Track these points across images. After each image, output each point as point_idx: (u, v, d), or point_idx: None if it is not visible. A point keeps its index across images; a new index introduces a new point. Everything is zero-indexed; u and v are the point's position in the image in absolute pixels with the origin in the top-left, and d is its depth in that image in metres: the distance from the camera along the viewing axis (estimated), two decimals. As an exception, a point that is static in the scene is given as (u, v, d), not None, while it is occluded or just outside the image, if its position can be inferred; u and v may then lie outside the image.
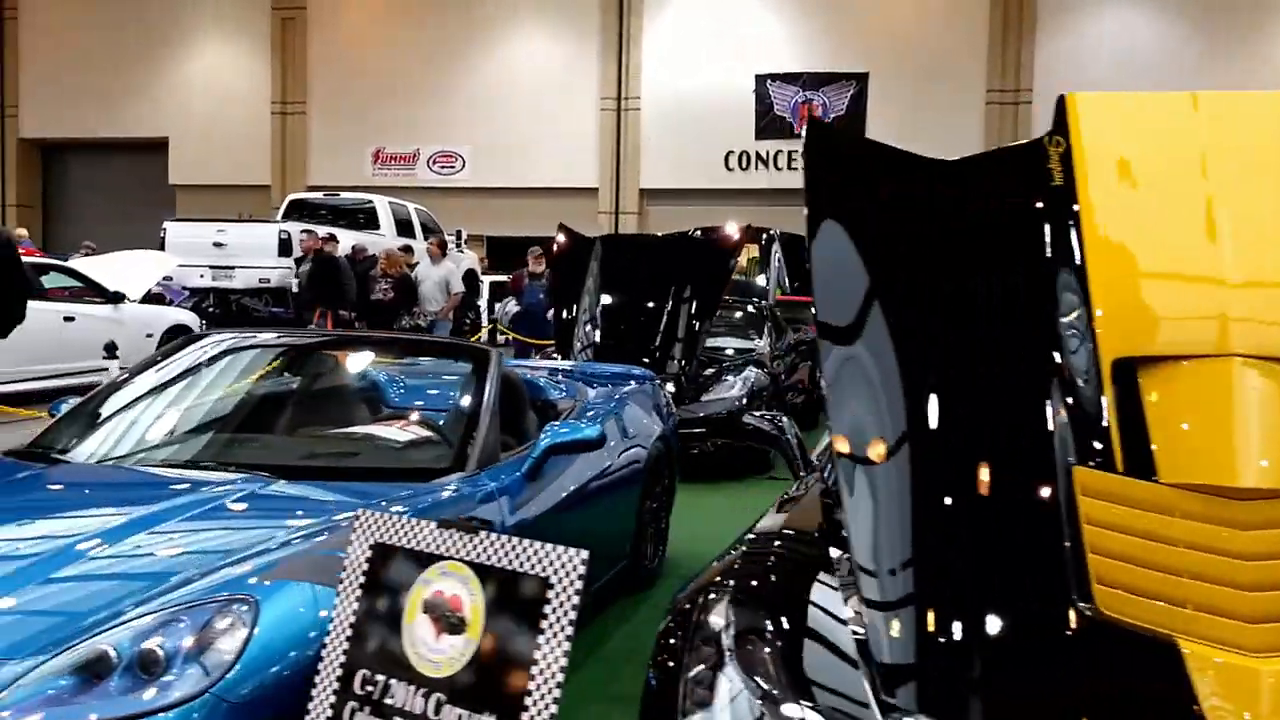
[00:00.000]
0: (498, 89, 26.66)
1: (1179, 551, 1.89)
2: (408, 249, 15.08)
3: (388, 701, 1.87)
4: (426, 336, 7.09)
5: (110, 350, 8.93)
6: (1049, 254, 2.24)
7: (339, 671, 1.94)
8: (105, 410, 4.31)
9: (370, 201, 17.43)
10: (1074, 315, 2.13)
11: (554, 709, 1.66)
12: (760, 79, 25.76)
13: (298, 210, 17.03)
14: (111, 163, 28.23)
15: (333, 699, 1.93)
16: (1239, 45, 22.30)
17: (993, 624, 1.88)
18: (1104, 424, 2.01)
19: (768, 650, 1.88)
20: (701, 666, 1.84)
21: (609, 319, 8.55)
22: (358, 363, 4.89)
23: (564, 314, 8.76)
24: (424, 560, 1.90)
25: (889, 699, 1.84)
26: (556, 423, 4.37)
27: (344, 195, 17.94)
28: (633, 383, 6.03)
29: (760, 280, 13.84)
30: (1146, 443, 1.98)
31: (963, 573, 1.94)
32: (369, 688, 1.90)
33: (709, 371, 8.62)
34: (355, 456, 4.00)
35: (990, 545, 1.97)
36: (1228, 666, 1.78)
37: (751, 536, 2.51)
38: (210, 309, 14.73)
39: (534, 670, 1.71)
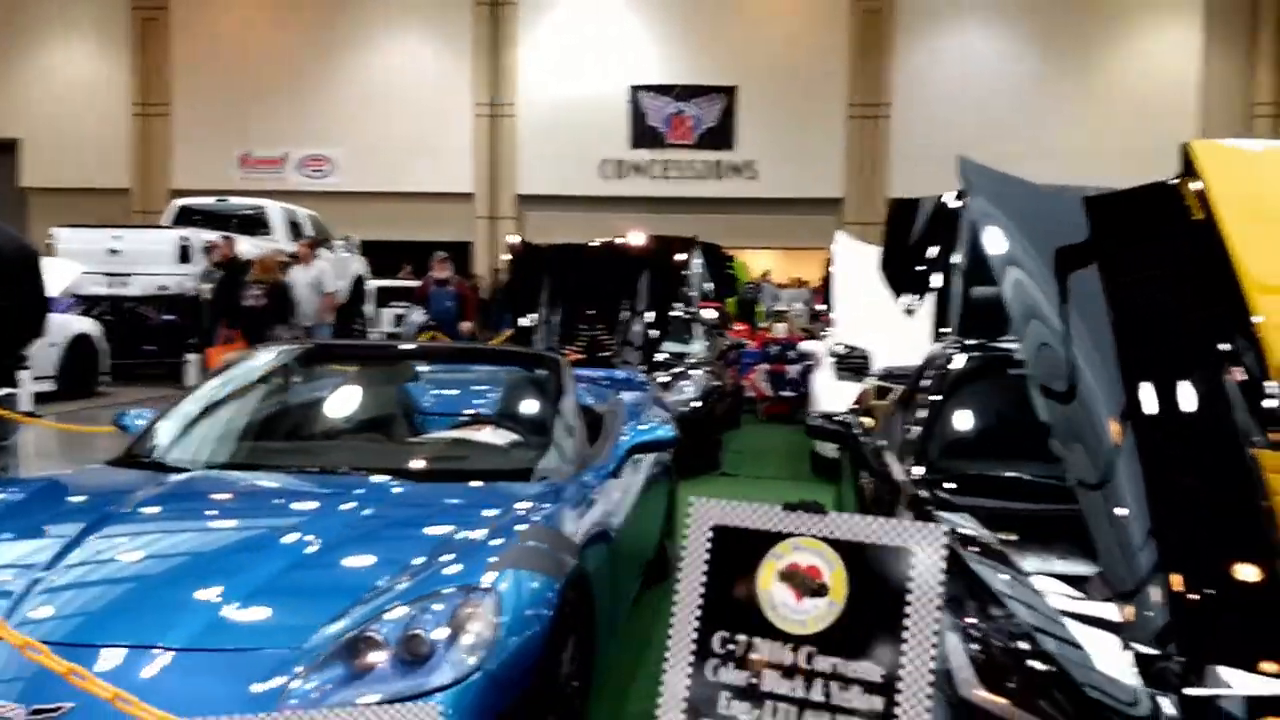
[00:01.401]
0: (369, 92, 26.48)
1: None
2: (294, 255, 14.91)
3: (753, 656, 2.23)
4: (499, 346, 7.27)
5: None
6: (1202, 276, 2.75)
7: (694, 635, 2.29)
8: (196, 418, 4.46)
9: (262, 207, 17.21)
10: (1238, 327, 2.64)
11: (931, 663, 2.06)
12: (634, 90, 26.35)
13: (186, 216, 16.69)
14: (-48, 165, 26.87)
15: (691, 659, 2.27)
16: (1075, 59, 23.93)
17: (1227, 582, 2.37)
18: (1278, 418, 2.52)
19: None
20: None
21: (566, 325, 8.89)
22: (430, 371, 5.14)
23: (521, 321, 9.06)
24: (772, 538, 2.27)
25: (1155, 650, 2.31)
26: (635, 423, 4.73)
27: (233, 200, 17.66)
28: (633, 386, 6.41)
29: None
30: (1316, 429, 2.51)
31: (1192, 543, 2.42)
32: (730, 646, 2.25)
33: (663, 376, 9.05)
34: (465, 459, 4.27)
35: (1208, 518, 2.46)
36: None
37: None
38: (102, 316, 14.33)
39: (906, 623, 2.10)
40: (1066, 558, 3.26)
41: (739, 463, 9.64)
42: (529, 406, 4.64)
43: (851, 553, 2.20)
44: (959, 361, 4.52)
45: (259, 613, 2.92)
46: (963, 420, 4.28)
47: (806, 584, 2.23)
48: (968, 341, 4.76)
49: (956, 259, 5.67)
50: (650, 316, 8.92)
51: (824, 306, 18.15)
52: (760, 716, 2.20)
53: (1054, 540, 3.36)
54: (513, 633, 2.90)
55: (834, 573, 2.20)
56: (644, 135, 26.17)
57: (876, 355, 8.49)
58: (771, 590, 2.25)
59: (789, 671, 2.20)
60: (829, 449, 9.03)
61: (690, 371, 9.36)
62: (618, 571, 4.18)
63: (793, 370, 12.03)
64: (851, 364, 9.40)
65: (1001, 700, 2.51)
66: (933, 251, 5.97)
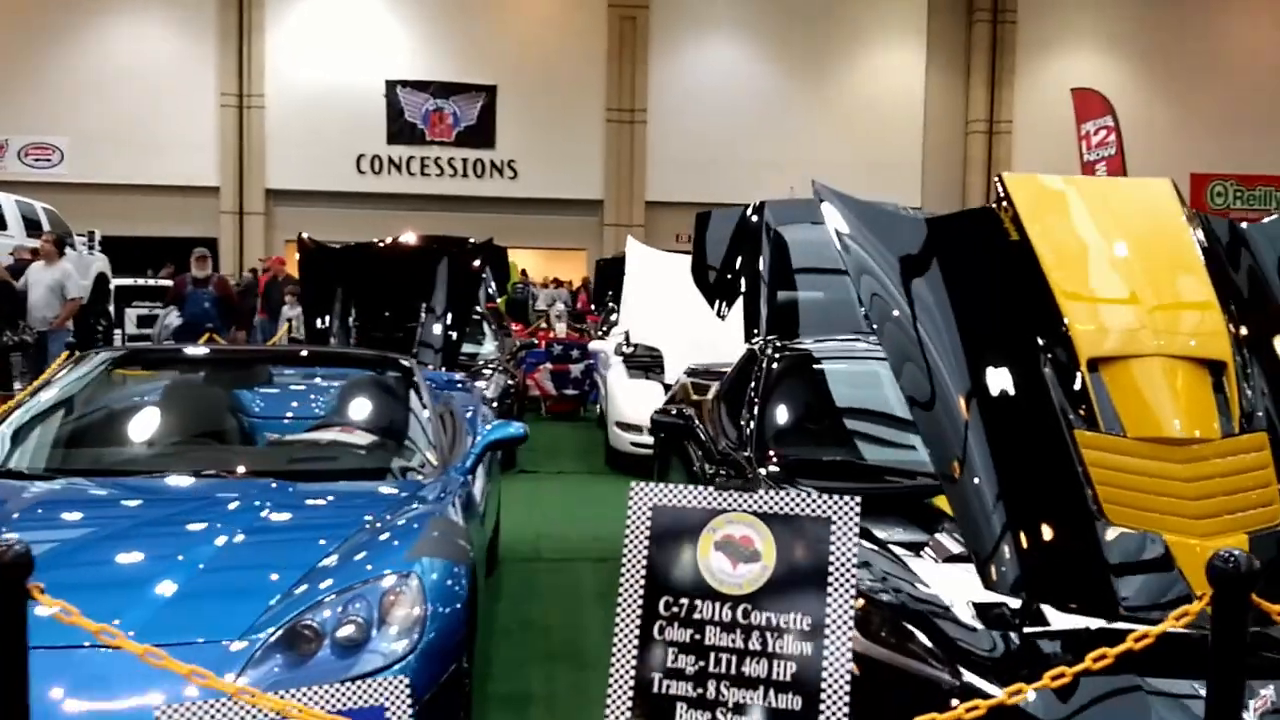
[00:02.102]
0: (101, 77, 25.03)
1: (1147, 480, 3.01)
2: (34, 252, 14.02)
3: (695, 616, 2.59)
4: (344, 349, 7.17)
5: None
6: (1021, 286, 3.32)
7: (640, 602, 2.62)
8: (32, 426, 4.39)
9: (-9, 198, 16.03)
10: (1052, 326, 3.21)
11: (852, 610, 2.48)
12: (390, 84, 26.08)
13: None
14: None
15: (638, 621, 2.61)
16: (815, 76, 25.51)
17: (1058, 533, 2.92)
18: (1088, 401, 3.10)
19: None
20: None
21: (365, 326, 8.90)
22: (269, 375, 5.18)
23: (317, 323, 8.99)
24: (708, 514, 2.63)
25: (999, 584, 2.83)
26: (474, 421, 4.99)
27: (-41, 193, 16.33)
28: (453, 387, 6.64)
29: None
30: (1115, 413, 3.10)
31: (1029, 506, 2.96)
32: (675, 608, 2.60)
33: (461, 376, 9.22)
34: (337, 460, 4.40)
35: (1039, 483, 3.01)
36: (1185, 545, 2.92)
37: None
38: None
39: (829, 579, 2.51)
40: (904, 528, 3.80)
41: (535, 460, 9.96)
42: (390, 407, 4.80)
43: (779, 523, 2.60)
44: (783, 358, 5.02)
45: (193, 610, 3.03)
46: (793, 410, 4.78)
47: (741, 552, 2.61)
48: (785, 342, 5.28)
49: (761, 267, 6.22)
50: (450, 318, 9.06)
51: (594, 307, 18.69)
52: (705, 667, 2.57)
53: (888, 514, 3.90)
54: (436, 616, 3.15)
55: (765, 541, 2.59)
56: (402, 131, 25.96)
57: (669, 354, 8.97)
58: (710, 559, 2.62)
59: (729, 626, 2.57)
60: (625, 442, 9.50)
61: (485, 372, 9.59)
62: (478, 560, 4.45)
63: (575, 370, 12.44)
64: (641, 362, 9.90)
65: (879, 648, 2.98)
66: (739, 260, 6.50)
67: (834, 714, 2.47)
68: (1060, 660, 2.74)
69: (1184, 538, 2.94)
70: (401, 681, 2.55)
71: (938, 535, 3.71)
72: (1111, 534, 2.95)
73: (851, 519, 2.56)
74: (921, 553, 3.64)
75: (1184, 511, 2.98)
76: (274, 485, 3.93)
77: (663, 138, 25.31)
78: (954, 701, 2.65)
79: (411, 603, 3.12)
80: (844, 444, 4.55)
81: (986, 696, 2.60)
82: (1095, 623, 2.97)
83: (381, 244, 9.55)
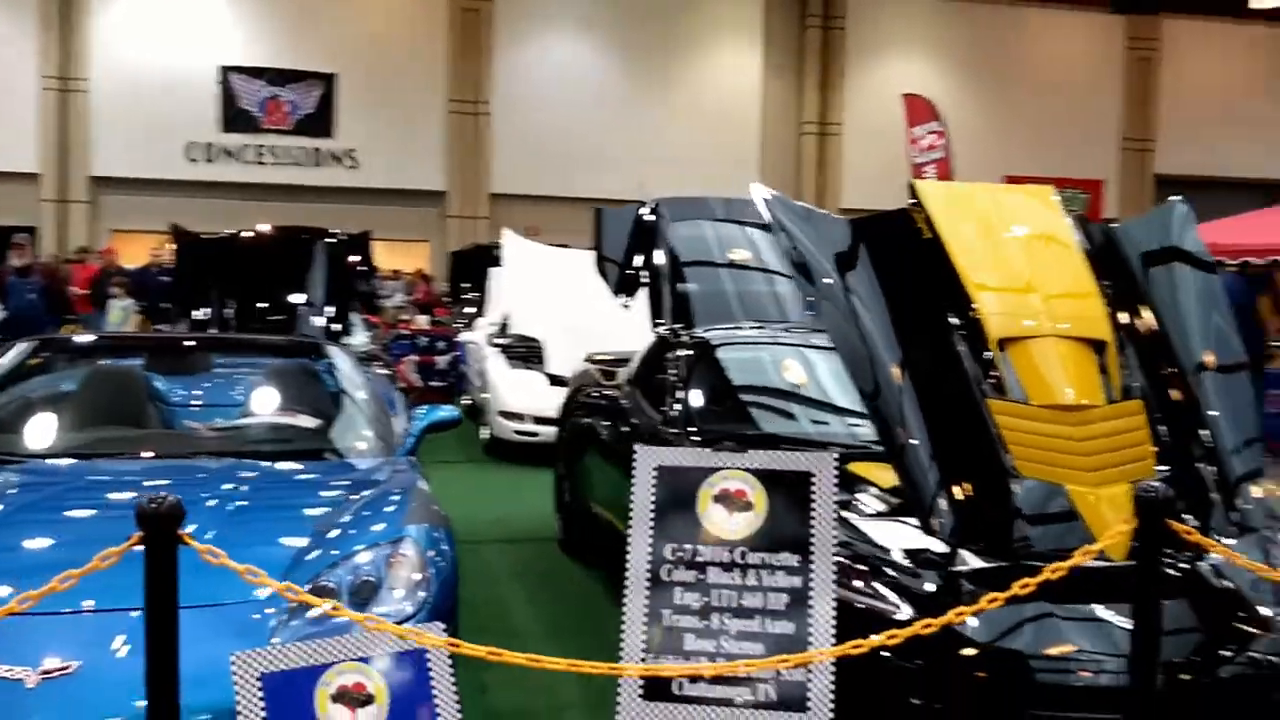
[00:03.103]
0: (-102, 56, 23.58)
1: (1048, 440, 3.60)
2: None
3: (698, 560, 3.01)
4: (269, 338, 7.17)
5: None
6: (937, 277, 3.86)
7: (649, 548, 3.03)
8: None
9: None
10: (963, 311, 3.77)
11: (832, 549, 2.95)
12: (224, 70, 25.39)
13: None
14: None
15: (648, 566, 3.01)
16: (656, 73, 26.07)
17: (980, 488, 3.47)
18: (996, 374, 3.67)
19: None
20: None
21: (243, 317, 8.92)
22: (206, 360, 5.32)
23: (194, 315, 8.96)
24: (706, 472, 3.06)
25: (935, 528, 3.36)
26: (421, 408, 5.27)
27: None
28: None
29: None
30: (1020, 384, 3.68)
31: (958, 462, 3.50)
32: (680, 552, 3.02)
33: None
34: (291, 442, 4.61)
35: (964, 445, 3.55)
36: (1083, 494, 3.51)
37: None
38: None
39: (812, 521, 2.98)
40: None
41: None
42: (329, 391, 5.01)
43: (768, 477, 3.05)
44: (699, 345, 5.48)
45: (217, 576, 3.25)
46: (715, 390, 5.25)
47: (736, 503, 3.05)
48: (700, 330, 5.75)
49: (660, 261, 6.67)
50: (331, 310, 9.16)
51: (447, 299, 18.78)
52: (708, 602, 3.00)
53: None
54: (435, 577, 3.47)
55: (756, 493, 3.04)
56: (236, 119, 25.29)
57: (550, 345, 9.31)
58: (709, 510, 3.05)
59: (728, 567, 3.01)
60: (509, 430, 9.80)
61: (367, 364, 9.73)
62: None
63: (441, 361, 12.62)
64: (518, 352, 10.22)
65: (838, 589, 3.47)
66: (639, 255, 6.93)
67: (822, 636, 2.93)
68: (982, 594, 3.29)
69: (1080, 488, 3.54)
70: (439, 626, 2.89)
71: (859, 496, 4.22)
72: (1024, 487, 3.52)
73: (829, 472, 3.04)
74: (847, 512, 4.15)
75: (1079, 465, 3.58)
76: (245, 465, 4.15)
77: (508, 130, 25.47)
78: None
79: (414, 566, 3.42)
80: (764, 419, 5.03)
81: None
82: (1006, 563, 3.54)
83: (255, 233, 9.56)
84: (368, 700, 2.71)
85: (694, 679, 2.96)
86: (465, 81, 25.78)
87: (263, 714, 2.64)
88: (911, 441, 3.54)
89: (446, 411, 5.09)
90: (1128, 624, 3.17)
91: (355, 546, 3.44)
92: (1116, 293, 3.97)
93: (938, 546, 3.62)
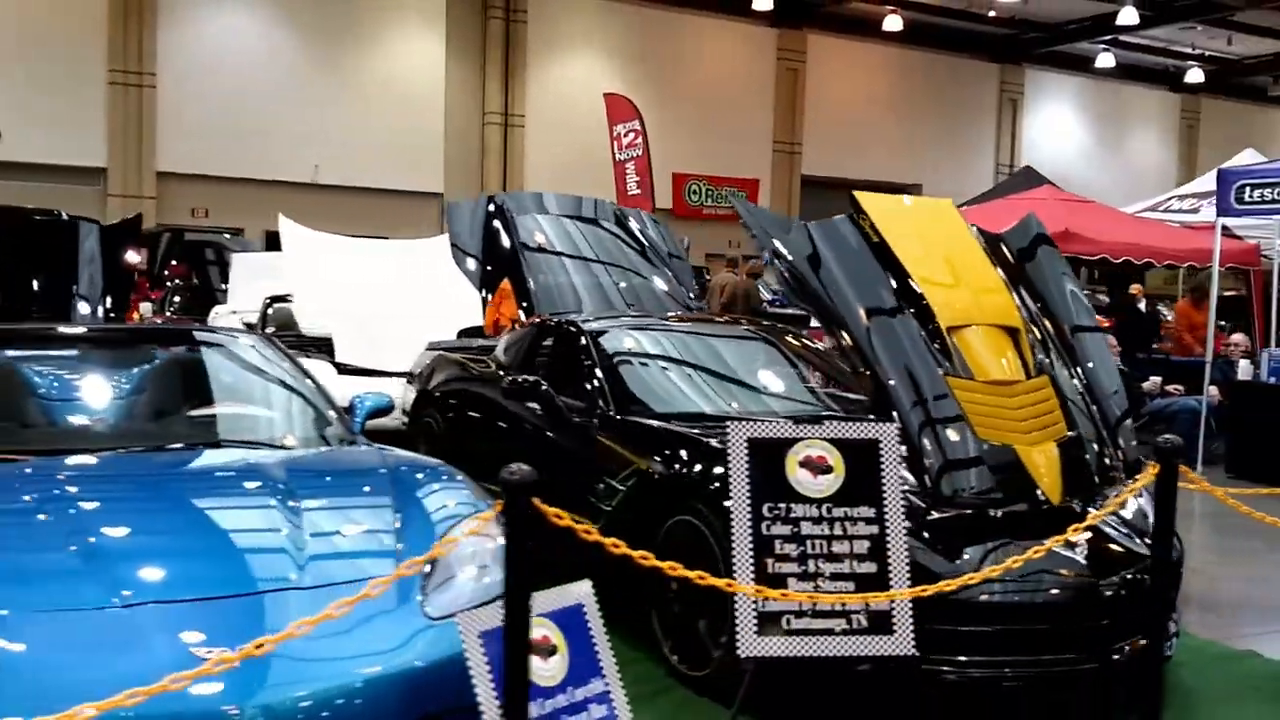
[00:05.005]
0: None
1: (992, 409, 4.44)
2: None
3: (792, 515, 3.55)
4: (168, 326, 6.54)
5: None
6: (888, 273, 4.62)
7: (749, 509, 3.53)
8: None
9: None
10: (915, 303, 4.55)
11: (901, 499, 3.60)
12: None
13: None
14: None
15: (750, 523, 3.52)
16: (336, 55, 25.47)
17: (950, 440, 4.25)
18: (949, 356, 4.48)
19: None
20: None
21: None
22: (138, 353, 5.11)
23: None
24: (790, 442, 3.60)
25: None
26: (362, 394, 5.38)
27: None
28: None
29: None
30: (966, 363, 4.50)
31: (934, 427, 4.27)
32: (776, 511, 3.55)
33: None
34: (256, 430, 4.63)
35: (938, 415, 4.32)
36: (1024, 450, 4.38)
37: None
38: None
39: (883, 480, 3.60)
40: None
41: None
42: (269, 377, 5.01)
43: (844, 445, 3.65)
44: (598, 332, 5.92)
45: (346, 561, 3.40)
46: (634, 372, 5.72)
47: (818, 467, 3.62)
48: (593, 317, 6.20)
49: (517, 253, 7.03)
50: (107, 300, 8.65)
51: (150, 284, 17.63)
52: (804, 551, 3.56)
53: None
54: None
55: (835, 458, 3.63)
56: None
57: (340, 335, 9.26)
58: (796, 474, 3.61)
59: (817, 520, 3.59)
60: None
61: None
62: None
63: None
64: (291, 341, 10.05)
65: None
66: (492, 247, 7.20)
67: (899, 573, 3.58)
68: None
69: (1021, 445, 4.40)
70: (586, 584, 3.26)
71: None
72: (983, 446, 4.34)
73: (893, 438, 3.68)
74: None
75: (1017, 429, 4.45)
76: (255, 455, 4.19)
77: (176, 105, 24.03)
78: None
79: (497, 535, 3.70)
80: (683, 400, 5.57)
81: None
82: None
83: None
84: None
85: (799, 614, 3.51)
86: (127, 51, 24.07)
87: (486, 665, 2.94)
88: (899, 412, 4.26)
89: (383, 399, 5.25)
90: (1070, 553, 4.09)
91: (451, 519, 3.63)
92: (1015, 287, 4.91)
93: (919, 502, 4.30)
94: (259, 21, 24.86)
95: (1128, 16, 24.02)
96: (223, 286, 15.21)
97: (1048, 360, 4.73)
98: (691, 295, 7.79)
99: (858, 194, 4.88)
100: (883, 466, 3.66)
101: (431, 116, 25.48)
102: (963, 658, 3.84)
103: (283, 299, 10.87)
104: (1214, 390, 9.89)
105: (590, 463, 5.15)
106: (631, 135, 18.94)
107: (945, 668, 3.81)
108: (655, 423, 5.12)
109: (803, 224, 4.80)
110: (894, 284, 4.65)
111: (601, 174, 20.77)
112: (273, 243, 16.78)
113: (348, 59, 25.38)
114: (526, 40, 26.43)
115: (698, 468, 4.47)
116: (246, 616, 3.06)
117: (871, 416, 4.36)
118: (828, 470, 3.62)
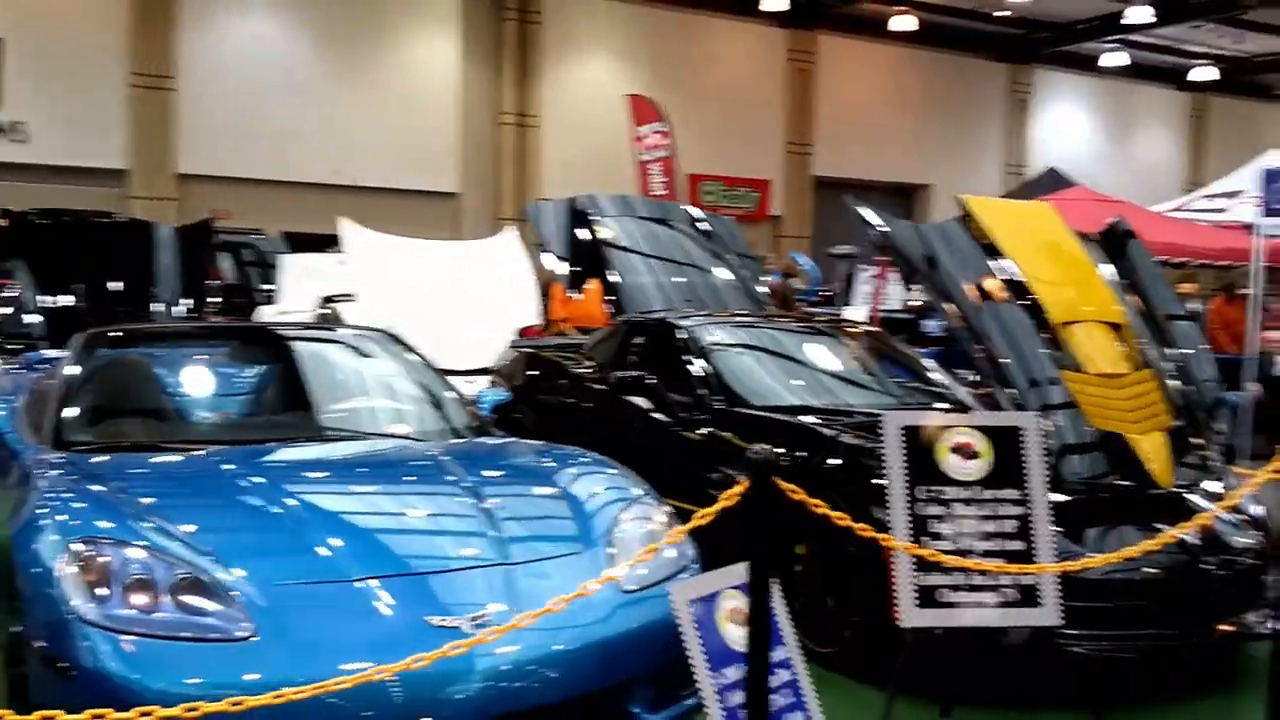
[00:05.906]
0: None
1: (1104, 400, 4.72)
2: None
3: (944, 497, 3.83)
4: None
5: None
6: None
7: (905, 488, 3.81)
8: (111, 402, 4.48)
9: None
10: (1028, 300, 4.83)
11: (1044, 482, 3.87)
12: None
13: None
14: None
15: (907, 504, 3.80)
16: (353, 57, 25.67)
17: (1066, 426, 4.54)
18: (1063, 350, 4.76)
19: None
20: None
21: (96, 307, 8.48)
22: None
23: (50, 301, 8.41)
24: (941, 430, 3.88)
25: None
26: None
27: None
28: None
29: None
30: (1075, 358, 4.78)
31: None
32: (930, 492, 3.82)
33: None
34: (412, 421, 4.89)
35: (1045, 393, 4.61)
36: (1134, 438, 4.66)
37: None
38: None
39: (1025, 464, 3.88)
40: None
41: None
42: (411, 375, 5.27)
43: (991, 431, 3.92)
44: (696, 330, 6.18)
45: (530, 540, 3.64)
46: (736, 366, 5.99)
47: (967, 452, 3.90)
48: (690, 316, 6.47)
49: (606, 253, 7.30)
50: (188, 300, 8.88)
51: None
52: (957, 527, 3.83)
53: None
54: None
55: (983, 444, 3.91)
56: None
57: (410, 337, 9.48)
58: (948, 458, 3.88)
59: (967, 501, 3.86)
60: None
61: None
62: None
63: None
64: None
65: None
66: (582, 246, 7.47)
67: (1045, 549, 3.85)
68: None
69: (1130, 434, 4.69)
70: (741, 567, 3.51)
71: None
72: (1098, 434, 4.62)
73: (1036, 426, 3.96)
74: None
75: (1126, 419, 4.73)
76: (421, 446, 4.45)
77: (197, 108, 24.22)
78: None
79: (658, 516, 3.96)
80: (784, 390, 5.84)
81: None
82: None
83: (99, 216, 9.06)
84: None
85: (954, 588, 3.79)
86: (150, 55, 24.27)
87: (696, 627, 3.22)
88: (1004, 360, 4.57)
89: (501, 394, 5.53)
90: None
91: (622, 501, 3.90)
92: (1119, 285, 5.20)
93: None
94: (277, 26, 25.08)
95: (1140, 14, 24.25)
96: (262, 287, 15.41)
97: (1151, 354, 5.01)
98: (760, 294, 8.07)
99: (966, 198, 5.15)
100: (1026, 451, 3.93)
101: (447, 118, 25.69)
102: (1093, 632, 4.12)
103: (334, 299, 11.08)
104: (1256, 386, 10.19)
105: (704, 453, 5.42)
106: (657, 136, 19.18)
107: (1076, 643, 4.09)
108: (766, 414, 5.39)
109: (913, 225, 5.08)
110: (1005, 280, 4.94)
111: (616, 174, 21.02)
112: (294, 244, 17.14)
113: (364, 62, 25.60)
114: (541, 42, 26.66)
115: (815, 456, 4.75)
116: (468, 589, 3.33)
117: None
118: (975, 455, 3.90)
